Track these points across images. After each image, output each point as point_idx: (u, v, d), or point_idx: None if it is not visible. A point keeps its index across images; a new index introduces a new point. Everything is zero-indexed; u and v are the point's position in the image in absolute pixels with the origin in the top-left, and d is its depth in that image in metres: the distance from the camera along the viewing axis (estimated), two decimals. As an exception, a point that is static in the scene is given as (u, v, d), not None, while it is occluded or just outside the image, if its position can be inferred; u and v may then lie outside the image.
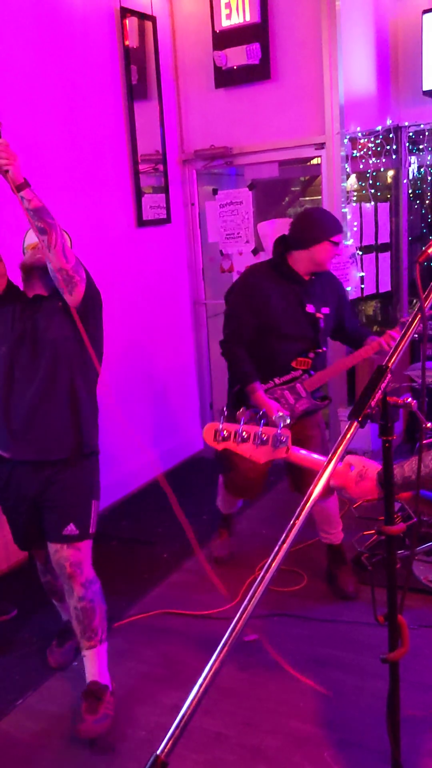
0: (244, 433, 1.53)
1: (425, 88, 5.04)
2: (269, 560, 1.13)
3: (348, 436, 1.14)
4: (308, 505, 1.15)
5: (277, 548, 1.13)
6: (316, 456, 1.59)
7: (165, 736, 1.07)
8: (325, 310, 3.36)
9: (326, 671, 2.96)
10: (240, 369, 3.32)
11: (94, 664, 2.74)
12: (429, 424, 1.47)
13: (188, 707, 1.06)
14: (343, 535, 3.59)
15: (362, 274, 5.06)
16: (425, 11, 4.93)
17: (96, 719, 2.62)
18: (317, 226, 3.27)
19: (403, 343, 1.21)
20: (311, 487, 1.17)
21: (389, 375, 1.16)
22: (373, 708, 2.70)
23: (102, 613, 2.73)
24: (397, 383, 1.31)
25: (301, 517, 1.15)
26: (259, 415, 1.57)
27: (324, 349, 3.38)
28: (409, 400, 1.14)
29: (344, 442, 1.14)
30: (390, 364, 1.17)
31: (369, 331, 3.50)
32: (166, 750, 1.01)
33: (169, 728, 1.08)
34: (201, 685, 1.07)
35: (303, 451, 1.61)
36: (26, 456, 2.73)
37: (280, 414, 1.60)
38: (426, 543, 3.48)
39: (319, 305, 3.34)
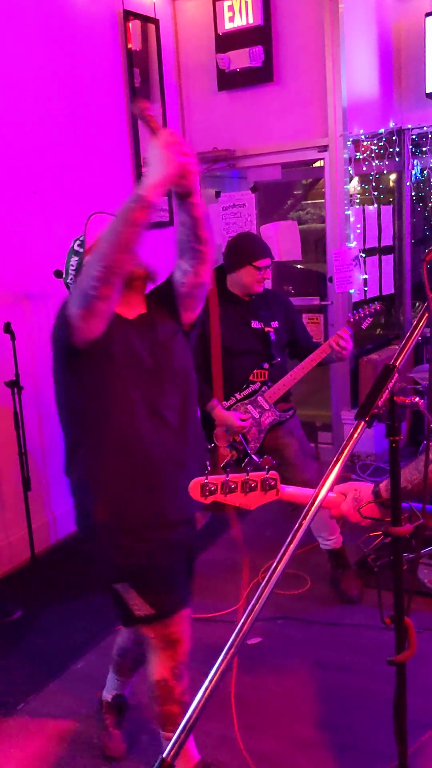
0: (231, 483, 1.53)
1: (428, 90, 5.05)
2: (275, 563, 1.12)
3: (355, 436, 1.13)
4: (313, 508, 1.14)
5: (282, 551, 1.13)
6: (307, 490, 1.59)
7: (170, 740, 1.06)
8: (275, 323, 3.46)
9: (330, 674, 2.95)
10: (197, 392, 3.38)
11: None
12: None
13: (194, 710, 1.05)
14: (342, 538, 3.59)
15: (365, 276, 5.05)
16: (428, 14, 4.93)
17: None
18: (240, 251, 3.40)
19: (409, 344, 1.21)
20: (317, 490, 1.16)
21: (396, 374, 1.15)
22: (378, 711, 2.68)
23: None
24: (403, 384, 1.29)
25: (307, 519, 1.14)
26: (245, 463, 1.57)
27: (278, 359, 3.47)
28: (417, 399, 1.13)
29: (351, 443, 1.13)
30: (397, 364, 1.16)
31: (319, 344, 3.54)
32: (171, 753, 1.00)
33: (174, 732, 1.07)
34: (206, 688, 1.06)
35: (291, 489, 1.61)
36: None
37: (263, 460, 1.61)
38: (428, 546, 3.47)
39: (267, 320, 3.45)
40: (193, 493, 1.53)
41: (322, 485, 1.12)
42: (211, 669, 1.08)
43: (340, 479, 1.21)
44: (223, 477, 1.54)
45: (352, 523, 1.63)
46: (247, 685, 2.89)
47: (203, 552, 3.88)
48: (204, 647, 3.18)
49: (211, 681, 1.07)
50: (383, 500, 1.60)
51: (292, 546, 1.11)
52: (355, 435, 1.13)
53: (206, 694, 1.06)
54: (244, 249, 3.41)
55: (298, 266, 5.71)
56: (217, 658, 1.06)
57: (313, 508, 1.13)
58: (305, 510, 1.15)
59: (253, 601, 1.11)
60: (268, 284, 3.64)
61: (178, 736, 1.04)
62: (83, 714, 2.81)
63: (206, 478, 1.52)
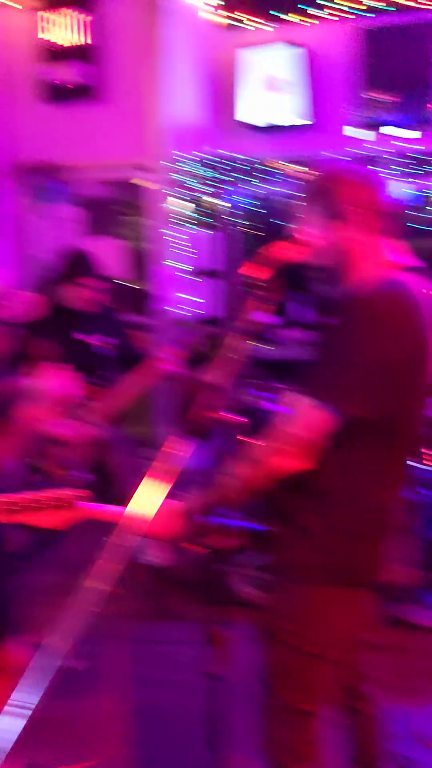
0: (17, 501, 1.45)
1: (244, 120, 5.28)
2: (88, 581, 1.10)
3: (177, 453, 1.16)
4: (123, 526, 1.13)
5: (95, 569, 1.11)
6: (109, 507, 1.59)
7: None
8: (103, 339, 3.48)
9: (146, 691, 2.94)
10: None
11: None
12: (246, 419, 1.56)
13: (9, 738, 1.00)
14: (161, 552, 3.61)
15: (188, 297, 5.17)
16: (243, 47, 5.17)
17: None
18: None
19: (228, 363, 1.26)
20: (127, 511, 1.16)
21: (212, 391, 1.19)
22: (195, 723, 2.72)
23: None
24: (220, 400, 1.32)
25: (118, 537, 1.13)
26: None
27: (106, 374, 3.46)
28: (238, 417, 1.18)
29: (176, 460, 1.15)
30: (212, 381, 1.20)
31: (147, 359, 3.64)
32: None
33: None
34: (28, 716, 1.02)
35: (90, 506, 1.57)
36: None
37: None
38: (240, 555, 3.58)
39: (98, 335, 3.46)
40: None
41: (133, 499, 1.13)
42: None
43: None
44: (22, 495, 1.46)
45: (156, 539, 1.61)
46: (61, 708, 2.80)
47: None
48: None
49: (30, 706, 1.03)
50: (197, 521, 1.59)
51: (108, 562, 1.09)
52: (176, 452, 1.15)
53: (26, 721, 1.02)
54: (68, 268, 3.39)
55: (122, 283, 5.72)
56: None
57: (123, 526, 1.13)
58: (116, 528, 1.14)
59: (68, 622, 1.08)
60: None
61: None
62: None
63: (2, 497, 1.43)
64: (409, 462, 1.64)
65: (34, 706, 1.03)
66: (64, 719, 2.75)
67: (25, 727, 1.01)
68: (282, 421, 1.50)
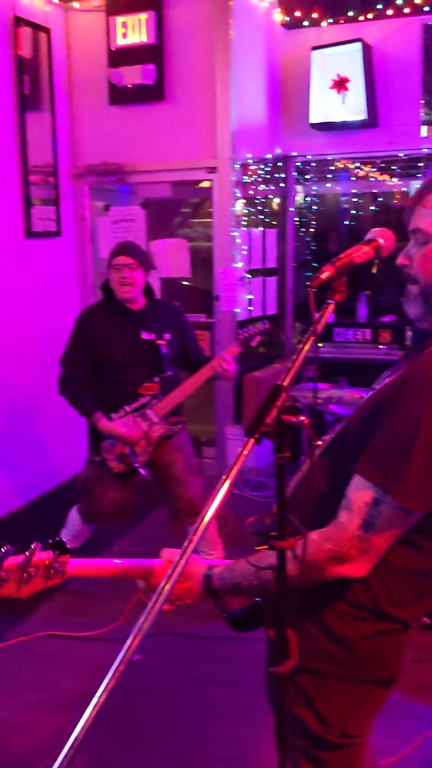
0: (3, 574, 1.31)
1: (312, 121, 5.27)
2: (164, 580, 1.12)
3: (245, 452, 1.17)
4: (203, 524, 1.15)
5: (172, 568, 1.13)
6: (96, 561, 1.49)
7: (54, 762, 1.04)
8: (167, 336, 3.46)
9: (209, 689, 2.98)
10: (80, 404, 3.40)
11: None
12: (320, 441, 1.51)
13: (81, 729, 1.03)
14: (224, 553, 3.63)
15: (251, 296, 5.19)
16: (314, 48, 5.16)
17: None
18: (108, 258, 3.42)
19: (297, 364, 1.25)
20: (207, 503, 1.18)
21: (284, 393, 1.19)
22: (259, 723, 2.73)
23: None
24: (290, 402, 1.28)
25: (197, 535, 1.15)
26: (5, 552, 1.32)
27: (170, 373, 3.46)
28: (303, 418, 1.18)
29: (241, 458, 1.16)
30: (285, 383, 1.21)
31: (209, 359, 3.61)
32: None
33: (54, 752, 1.05)
34: (94, 706, 1.05)
35: (82, 562, 1.44)
36: None
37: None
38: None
39: (159, 332, 3.44)
40: None
41: (211, 501, 1.14)
42: (87, 686, 1.06)
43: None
44: None
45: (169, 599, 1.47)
46: (126, 703, 2.86)
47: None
48: (81, 667, 3.14)
49: (99, 698, 1.06)
50: (214, 590, 1.43)
51: (182, 561, 1.11)
52: (245, 453, 1.16)
53: (94, 712, 1.05)
54: (110, 254, 3.41)
55: (185, 283, 5.78)
56: (96, 676, 1.05)
57: (203, 525, 1.15)
58: (195, 526, 1.16)
59: (141, 618, 1.10)
60: (158, 295, 3.64)
61: (66, 754, 1.02)
62: None
63: None
64: None
65: (102, 700, 1.05)
66: (129, 713, 2.81)
67: (94, 722, 1.04)
68: (340, 513, 1.33)
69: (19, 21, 4.56)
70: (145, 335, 3.40)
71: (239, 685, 2.97)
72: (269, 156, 5.27)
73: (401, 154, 5.16)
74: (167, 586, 1.09)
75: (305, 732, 1.48)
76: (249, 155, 5.02)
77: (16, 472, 4.80)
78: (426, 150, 5.07)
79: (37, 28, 4.76)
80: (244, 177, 5.03)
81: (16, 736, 2.70)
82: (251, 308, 5.20)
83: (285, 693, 1.31)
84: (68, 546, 1.38)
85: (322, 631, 1.42)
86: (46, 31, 4.84)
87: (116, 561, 1.49)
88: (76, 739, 1.03)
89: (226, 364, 3.37)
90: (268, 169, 5.32)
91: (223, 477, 1.15)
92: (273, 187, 5.42)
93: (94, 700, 1.04)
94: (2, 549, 1.31)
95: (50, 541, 1.38)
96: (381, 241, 1.39)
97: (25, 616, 3.49)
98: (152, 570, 1.48)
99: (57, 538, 1.38)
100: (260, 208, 5.33)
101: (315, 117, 5.25)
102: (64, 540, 1.40)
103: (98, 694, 1.05)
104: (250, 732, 2.70)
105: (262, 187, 5.25)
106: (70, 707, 2.81)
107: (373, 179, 5.48)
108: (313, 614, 1.42)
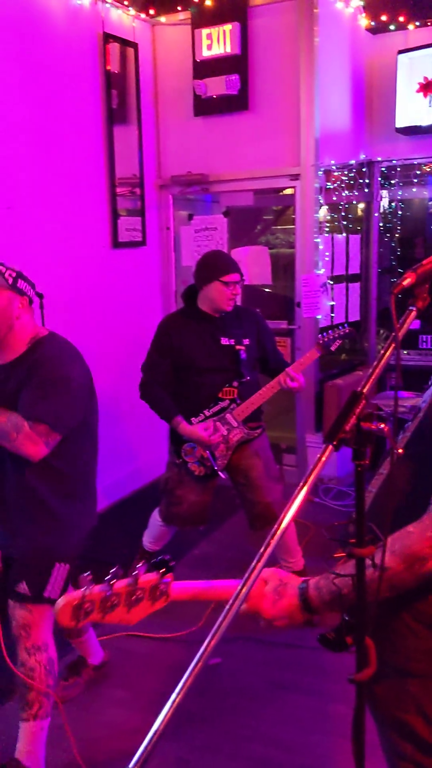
0: (113, 598, 1.27)
1: (398, 125, 5.20)
2: (240, 584, 1.14)
3: (323, 459, 1.17)
4: (280, 530, 1.16)
5: (249, 572, 1.14)
6: (200, 583, 1.43)
7: (130, 761, 1.07)
8: (246, 341, 3.47)
9: (288, 695, 2.97)
10: (161, 408, 3.45)
11: (23, 740, 2.44)
12: (400, 450, 1.49)
13: (158, 728, 1.06)
14: (304, 561, 3.62)
15: (333, 303, 5.15)
16: (400, 51, 5.10)
17: None
18: (209, 268, 3.41)
19: (377, 371, 1.25)
20: (283, 512, 1.19)
21: (364, 401, 1.19)
22: (336, 732, 2.71)
23: (42, 688, 2.42)
24: (370, 410, 1.25)
25: (275, 539, 1.16)
26: (114, 572, 1.30)
27: (248, 378, 3.47)
28: (383, 426, 1.17)
29: (319, 466, 1.17)
30: (364, 390, 1.20)
31: (288, 364, 3.59)
32: (137, 766, 1.02)
33: (133, 752, 1.07)
34: (171, 707, 1.07)
35: (181, 586, 1.39)
36: None
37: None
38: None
39: (239, 337, 3.45)
40: (62, 617, 1.26)
41: (289, 507, 1.15)
42: (166, 687, 1.08)
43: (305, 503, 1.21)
44: (103, 590, 1.28)
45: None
46: (204, 705, 2.89)
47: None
48: (161, 667, 3.19)
49: (175, 699, 1.08)
50: (311, 606, 1.37)
51: (259, 565, 1.13)
52: (323, 459, 1.17)
53: (170, 711, 1.07)
54: (213, 265, 3.40)
55: (266, 290, 5.79)
56: (175, 677, 1.07)
57: (280, 530, 1.16)
58: (272, 531, 1.17)
59: (218, 621, 1.12)
60: (239, 302, 3.67)
61: (142, 753, 1.05)
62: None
63: (83, 595, 1.26)
64: None
65: (178, 701, 1.07)
66: (208, 715, 2.84)
67: (171, 722, 1.06)
68: None
69: (108, 37, 4.71)
70: (224, 341, 3.44)
71: (319, 694, 2.96)
72: (353, 162, 5.23)
73: None
74: (244, 590, 1.10)
75: (413, 738, 1.45)
76: (332, 161, 4.99)
77: (101, 473, 4.90)
78: None
79: (125, 43, 4.90)
80: (328, 183, 5.01)
81: (99, 734, 2.77)
82: (333, 314, 5.16)
83: (362, 701, 1.30)
84: (149, 548, 1.40)
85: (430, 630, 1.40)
86: (134, 46, 4.98)
87: (215, 583, 1.44)
88: (152, 738, 1.05)
89: (290, 381, 3.37)
90: (352, 174, 5.28)
91: (301, 483, 1.16)
92: (357, 193, 5.37)
93: (171, 700, 1.06)
94: (111, 570, 1.29)
95: (153, 561, 1.36)
96: None
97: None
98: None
99: (159, 557, 1.36)
100: (344, 214, 5.29)
101: (401, 121, 5.18)
102: (147, 543, 1.41)
103: (175, 694, 1.07)
104: (328, 740, 2.68)
105: (345, 192, 5.21)
106: (150, 707, 2.87)
107: (460, 183, 5.35)
108: (420, 613, 1.40)
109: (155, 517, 3.76)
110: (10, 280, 2.33)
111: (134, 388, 3.54)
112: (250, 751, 2.66)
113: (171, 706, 1.06)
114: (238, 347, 3.44)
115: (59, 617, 1.26)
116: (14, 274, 2.35)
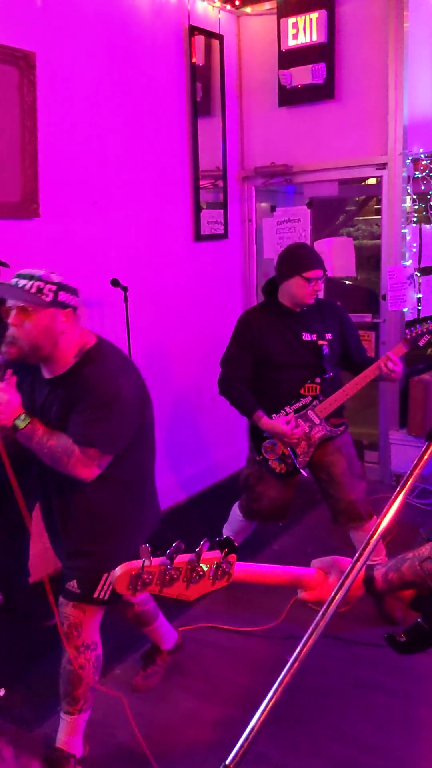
0: (173, 572, 1.26)
1: None
2: (337, 585, 1.11)
3: (425, 457, 1.13)
4: (376, 535, 1.13)
5: (344, 575, 1.12)
6: (261, 567, 1.43)
7: (204, 751, 1.07)
8: (329, 336, 3.39)
9: (370, 696, 2.92)
10: (241, 403, 3.41)
11: (65, 731, 2.54)
12: None
13: (257, 721, 1.05)
14: (387, 560, 3.54)
15: (420, 295, 5.01)
16: None
17: None
18: (289, 262, 3.33)
19: None
20: (381, 515, 1.15)
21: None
22: (420, 735, 2.65)
23: (89, 683, 2.49)
24: None
25: (370, 546, 1.13)
26: (176, 547, 1.28)
27: (331, 374, 3.39)
28: None
29: (421, 464, 1.13)
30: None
31: (373, 359, 3.49)
32: (236, 761, 1.01)
33: (210, 743, 1.07)
34: (268, 704, 1.07)
35: (246, 567, 1.38)
36: None
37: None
38: None
39: (321, 332, 3.38)
40: (119, 585, 1.25)
41: (390, 506, 1.12)
42: (249, 680, 1.08)
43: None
44: (163, 564, 1.26)
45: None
46: (285, 703, 2.86)
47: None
48: (241, 661, 3.18)
49: (274, 693, 1.07)
50: (377, 591, 1.39)
51: (354, 572, 1.10)
52: (425, 456, 1.13)
53: (269, 705, 1.07)
54: (295, 259, 3.34)
55: (348, 282, 5.69)
56: (256, 671, 1.06)
57: (376, 535, 1.13)
58: (368, 536, 1.14)
59: (317, 619, 1.11)
60: (321, 295, 3.60)
61: (242, 745, 1.04)
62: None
63: (142, 566, 1.24)
64: None
65: (276, 697, 1.06)
66: (289, 713, 2.82)
67: (259, 721, 1.05)
68: None
69: (194, 30, 4.71)
70: (306, 336, 3.38)
71: (402, 695, 2.89)
72: (442, 150, 5.06)
73: None
74: (339, 595, 1.08)
75: None
76: (421, 150, 4.85)
77: (180, 467, 4.97)
78: None
79: (210, 35, 4.90)
80: (416, 172, 4.87)
81: (175, 723, 2.79)
82: (420, 307, 5.02)
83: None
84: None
85: None
86: (219, 37, 4.97)
87: (278, 568, 1.45)
88: (252, 729, 1.04)
89: (392, 365, 3.28)
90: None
91: (403, 480, 1.13)
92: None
93: (268, 698, 1.05)
94: (173, 544, 1.27)
95: (217, 540, 1.35)
96: None
97: (189, 607, 3.60)
98: (306, 580, 1.45)
99: (224, 536, 1.36)
100: None
101: None
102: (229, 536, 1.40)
103: (272, 692, 1.06)
104: (408, 743, 2.62)
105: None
106: (230, 700, 2.87)
107: None
108: None
109: (236, 512, 3.75)
110: (51, 296, 2.24)
111: (214, 382, 3.54)
112: (331, 750, 2.63)
113: (268, 704, 1.06)
114: (320, 342, 3.38)
115: (117, 584, 1.25)
116: (54, 288, 2.26)
